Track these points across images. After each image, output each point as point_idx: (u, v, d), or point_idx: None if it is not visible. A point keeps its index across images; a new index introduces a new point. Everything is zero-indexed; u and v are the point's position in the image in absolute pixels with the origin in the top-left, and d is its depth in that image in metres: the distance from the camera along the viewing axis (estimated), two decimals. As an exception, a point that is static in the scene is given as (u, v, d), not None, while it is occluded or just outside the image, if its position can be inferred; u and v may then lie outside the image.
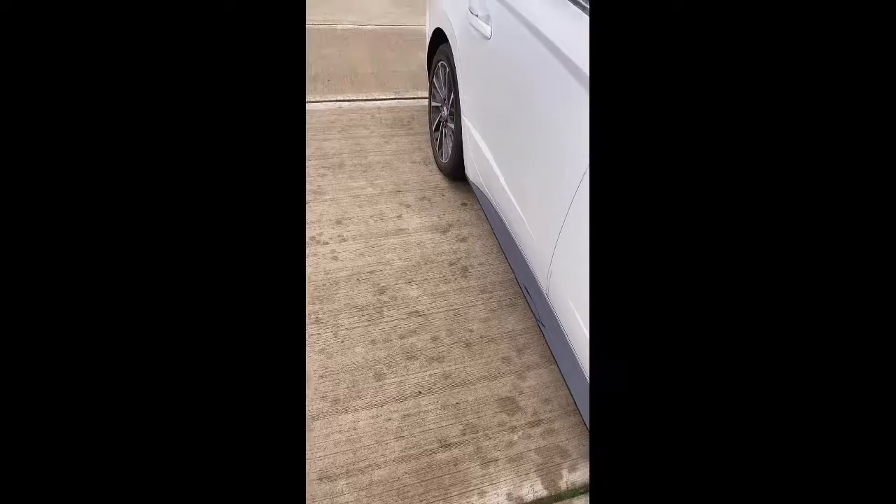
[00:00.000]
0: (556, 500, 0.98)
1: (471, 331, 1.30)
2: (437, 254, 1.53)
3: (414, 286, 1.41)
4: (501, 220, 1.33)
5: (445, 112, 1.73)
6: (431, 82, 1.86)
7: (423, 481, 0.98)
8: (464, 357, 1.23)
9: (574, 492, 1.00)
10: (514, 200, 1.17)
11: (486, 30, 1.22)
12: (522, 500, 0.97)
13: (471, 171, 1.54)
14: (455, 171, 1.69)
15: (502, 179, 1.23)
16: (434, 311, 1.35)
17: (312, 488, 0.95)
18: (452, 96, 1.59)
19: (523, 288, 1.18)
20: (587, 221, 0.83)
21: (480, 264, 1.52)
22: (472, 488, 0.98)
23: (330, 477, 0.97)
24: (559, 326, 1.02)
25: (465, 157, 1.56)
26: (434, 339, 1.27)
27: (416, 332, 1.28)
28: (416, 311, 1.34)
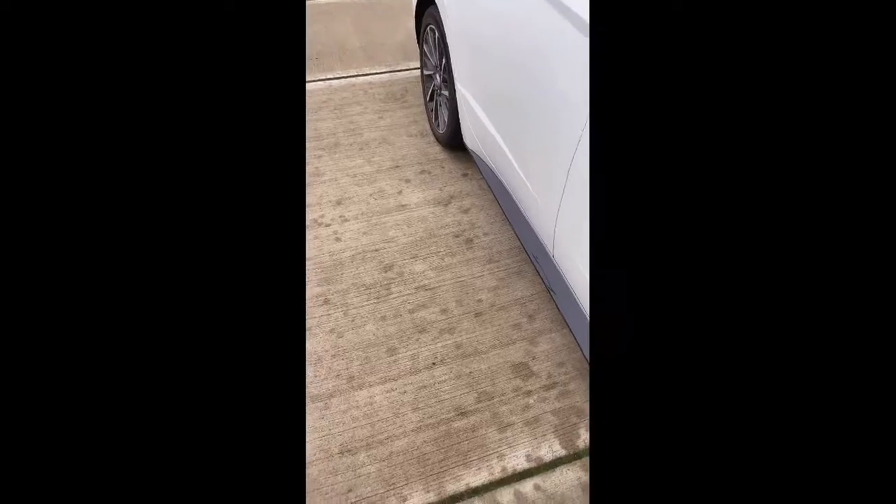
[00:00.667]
0: (574, 459, 0.99)
1: (480, 301, 1.30)
2: (441, 227, 1.51)
3: (419, 261, 1.40)
4: (503, 186, 1.30)
5: (438, 79, 1.67)
6: (422, 49, 1.79)
7: (441, 448, 1.00)
8: (475, 327, 1.23)
9: (592, 449, 1.01)
10: (514, 163, 1.13)
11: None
12: (541, 460, 0.99)
13: (469, 138, 1.50)
14: (453, 141, 1.65)
15: (501, 142, 1.19)
16: (442, 283, 1.34)
17: (335, 462, 0.98)
18: (444, 61, 1.53)
19: (532, 256, 1.16)
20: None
21: (485, 234, 1.49)
22: (490, 452, 1.00)
23: (351, 450, 0.99)
24: (569, 290, 1.01)
25: (461, 124, 1.52)
26: (444, 311, 1.27)
27: (425, 305, 1.28)
28: (424, 286, 1.33)
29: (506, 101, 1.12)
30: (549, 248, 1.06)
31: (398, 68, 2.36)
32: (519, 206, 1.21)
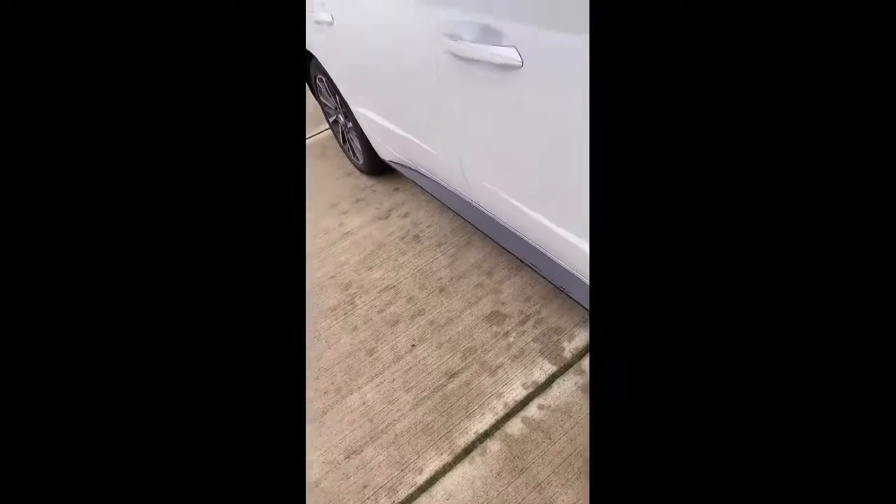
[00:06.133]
0: (566, 369, 1.00)
1: (440, 279, 1.34)
2: (387, 236, 1.58)
3: (376, 269, 1.45)
4: (423, 174, 1.40)
5: (342, 118, 1.82)
6: (320, 101, 1.97)
7: (442, 413, 0.99)
8: (441, 301, 1.26)
9: (579, 355, 1.02)
10: (415, 140, 1.24)
11: (327, 16, 1.34)
12: (537, 382, 0.99)
13: (382, 150, 1.62)
14: (375, 166, 1.77)
15: (399, 130, 1.31)
16: (401, 279, 1.38)
17: (343, 468, 0.94)
18: (338, 98, 1.69)
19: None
20: (461, 111, 0.90)
21: (429, 226, 1.57)
22: (489, 396, 0.99)
23: (356, 450, 0.97)
24: (495, 220, 1.07)
25: (372, 143, 1.65)
26: (410, 300, 1.30)
27: (391, 302, 1.31)
28: (386, 287, 1.37)
29: (387, 92, 1.25)
30: (467, 195, 1.14)
31: (312, 134, 2.55)
32: (438, 180, 1.30)
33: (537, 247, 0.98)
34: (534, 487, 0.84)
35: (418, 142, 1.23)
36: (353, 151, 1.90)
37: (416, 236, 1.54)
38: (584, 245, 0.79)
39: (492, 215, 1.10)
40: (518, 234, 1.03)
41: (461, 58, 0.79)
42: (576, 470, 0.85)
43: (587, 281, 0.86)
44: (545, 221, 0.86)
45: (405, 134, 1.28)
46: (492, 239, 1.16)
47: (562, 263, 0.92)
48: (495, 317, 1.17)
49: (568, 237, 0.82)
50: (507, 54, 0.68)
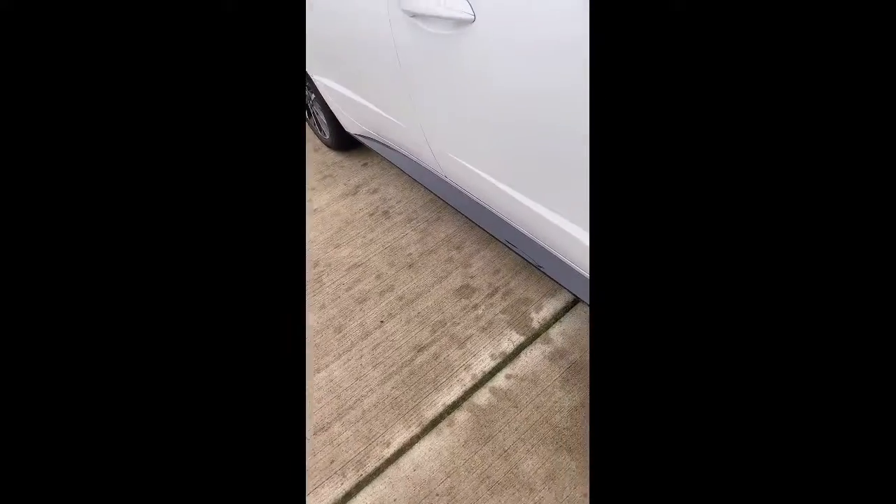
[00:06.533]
0: (534, 339, 1.00)
1: (410, 254, 1.31)
2: (355, 213, 1.53)
3: (343, 247, 1.41)
4: (390, 148, 1.35)
5: (306, 90, 1.73)
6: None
7: (411, 387, 0.98)
8: (411, 277, 1.24)
9: (547, 325, 1.03)
10: (377, 109, 1.19)
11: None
12: (505, 353, 0.99)
13: (348, 123, 1.55)
14: (342, 141, 1.70)
15: (360, 99, 1.25)
16: (370, 257, 1.35)
17: (310, 445, 0.93)
18: (299, 69, 1.60)
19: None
20: (419, 76, 0.86)
21: (398, 202, 1.53)
22: (457, 368, 0.99)
23: (324, 427, 0.95)
24: (464, 194, 1.05)
25: (336, 115, 1.58)
26: (378, 276, 1.27)
27: (359, 280, 1.28)
28: (354, 265, 1.33)
29: (350, 62, 1.19)
30: (435, 167, 1.11)
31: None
32: (404, 151, 1.26)
33: (506, 220, 0.96)
34: (500, 454, 0.85)
35: (381, 111, 1.17)
36: (319, 125, 1.82)
37: (385, 212, 1.50)
38: (555, 218, 0.77)
39: (460, 188, 1.07)
40: (486, 207, 1.01)
41: (414, 14, 0.74)
42: (541, 435, 0.86)
43: (558, 254, 0.85)
44: (512, 193, 0.84)
45: (367, 103, 1.22)
46: (462, 213, 1.13)
47: (532, 237, 0.91)
48: (465, 290, 1.16)
49: (537, 209, 0.81)
50: (459, 7, 0.64)
